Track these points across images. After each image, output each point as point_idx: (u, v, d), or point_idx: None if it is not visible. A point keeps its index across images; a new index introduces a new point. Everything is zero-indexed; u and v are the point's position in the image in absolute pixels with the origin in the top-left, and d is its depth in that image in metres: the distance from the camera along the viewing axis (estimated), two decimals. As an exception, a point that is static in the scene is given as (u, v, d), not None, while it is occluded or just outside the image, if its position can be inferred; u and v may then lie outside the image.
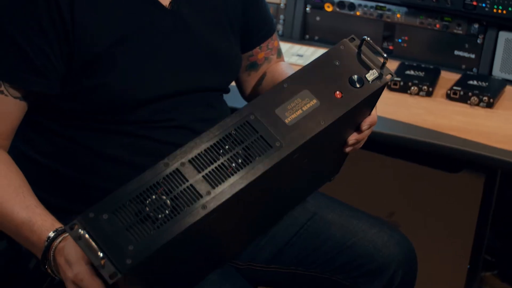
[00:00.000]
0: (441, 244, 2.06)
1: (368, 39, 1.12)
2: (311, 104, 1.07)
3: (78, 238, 0.94)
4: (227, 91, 1.40)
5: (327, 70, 1.11)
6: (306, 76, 1.10)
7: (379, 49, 1.12)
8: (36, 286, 1.26)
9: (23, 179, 1.17)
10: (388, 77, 1.13)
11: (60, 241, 1.07)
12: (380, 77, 1.12)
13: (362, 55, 1.13)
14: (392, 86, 1.81)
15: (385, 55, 1.11)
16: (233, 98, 1.49)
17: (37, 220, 1.11)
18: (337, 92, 1.09)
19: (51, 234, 1.08)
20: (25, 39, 1.13)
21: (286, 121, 1.05)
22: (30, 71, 1.15)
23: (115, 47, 1.18)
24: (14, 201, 1.12)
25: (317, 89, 1.08)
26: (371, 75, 1.12)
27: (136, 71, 1.21)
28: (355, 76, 1.11)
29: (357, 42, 1.14)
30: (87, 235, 0.93)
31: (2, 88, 1.16)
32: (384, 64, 1.12)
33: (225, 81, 1.38)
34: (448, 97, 1.79)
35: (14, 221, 1.11)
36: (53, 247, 1.07)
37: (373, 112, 1.24)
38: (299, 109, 1.06)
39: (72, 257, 1.01)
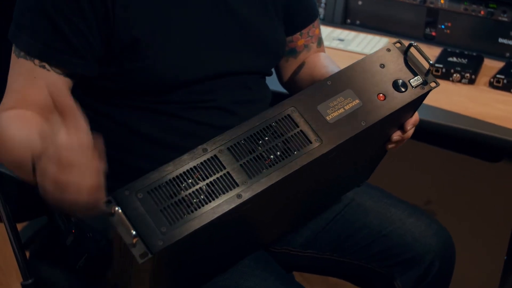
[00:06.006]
0: (478, 234, 2.04)
1: (415, 44, 1.13)
2: (353, 104, 1.08)
3: (111, 215, 0.93)
4: (269, 74, 1.39)
5: (371, 71, 1.12)
6: (350, 76, 1.11)
7: (426, 55, 1.13)
8: (72, 262, 1.28)
9: None
10: (433, 84, 1.13)
11: None
12: (424, 83, 1.13)
13: (408, 60, 1.13)
14: (434, 73, 1.79)
15: (431, 61, 1.12)
16: (276, 81, 1.49)
17: None
18: (380, 95, 1.10)
19: None
20: (64, 19, 1.13)
21: (328, 118, 1.06)
22: (68, 51, 1.15)
23: (155, 29, 1.18)
24: None
25: (360, 90, 1.09)
26: (415, 81, 1.12)
27: (176, 53, 1.21)
28: (400, 81, 1.12)
29: (404, 46, 1.14)
30: (121, 212, 0.93)
31: (44, 63, 1.16)
32: (429, 70, 1.13)
33: (267, 64, 1.36)
34: (491, 85, 1.77)
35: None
36: None
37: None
38: (341, 107, 1.07)
39: None
